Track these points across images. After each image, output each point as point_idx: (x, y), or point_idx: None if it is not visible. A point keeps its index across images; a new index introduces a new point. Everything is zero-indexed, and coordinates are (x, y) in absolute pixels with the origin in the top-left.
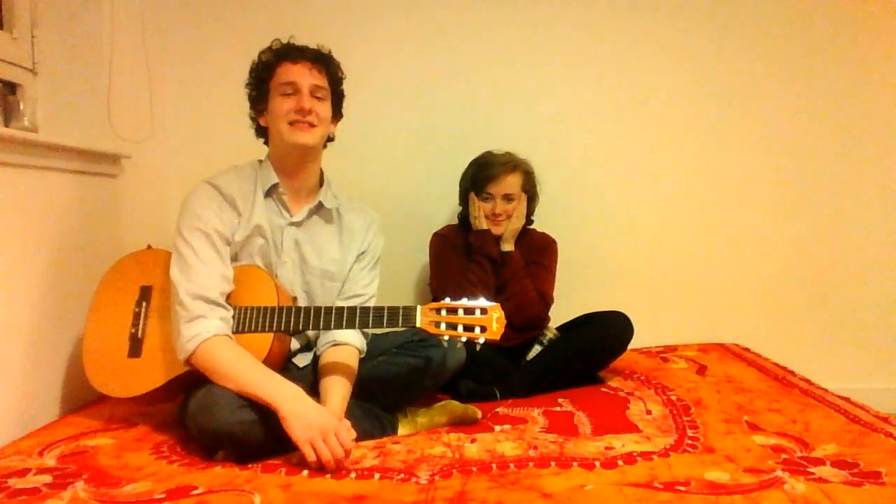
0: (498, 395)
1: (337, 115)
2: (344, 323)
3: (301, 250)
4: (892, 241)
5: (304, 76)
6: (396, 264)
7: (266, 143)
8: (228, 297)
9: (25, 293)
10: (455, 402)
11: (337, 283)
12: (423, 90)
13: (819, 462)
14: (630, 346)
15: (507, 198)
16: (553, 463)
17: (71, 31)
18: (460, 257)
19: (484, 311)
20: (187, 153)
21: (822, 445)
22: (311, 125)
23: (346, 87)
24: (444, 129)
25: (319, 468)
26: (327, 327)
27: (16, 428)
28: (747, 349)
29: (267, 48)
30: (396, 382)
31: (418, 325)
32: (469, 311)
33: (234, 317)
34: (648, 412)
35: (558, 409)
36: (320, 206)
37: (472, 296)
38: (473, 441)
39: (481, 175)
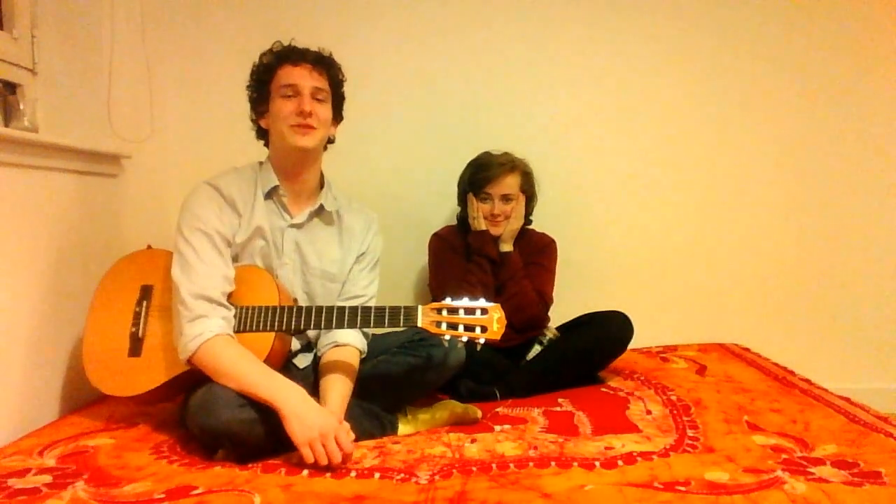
0: (498, 395)
1: (337, 117)
2: (346, 322)
3: (301, 252)
4: (893, 241)
5: (305, 78)
6: (396, 265)
7: (266, 144)
8: (230, 296)
9: (25, 293)
10: (455, 402)
11: (337, 285)
12: (422, 91)
13: (819, 462)
14: (630, 346)
15: (506, 198)
16: (553, 463)
17: (71, 31)
18: (459, 258)
19: (484, 311)
20: (187, 153)
21: (822, 445)
22: (312, 128)
23: (346, 87)
24: (443, 130)
25: (317, 469)
26: (328, 327)
27: (16, 428)
28: (747, 349)
29: (268, 50)
30: (397, 382)
31: (419, 324)
32: (470, 311)
33: (235, 316)
34: (648, 412)
35: (558, 409)
36: (321, 208)
37: (472, 297)
38: (473, 441)
39: (479, 176)
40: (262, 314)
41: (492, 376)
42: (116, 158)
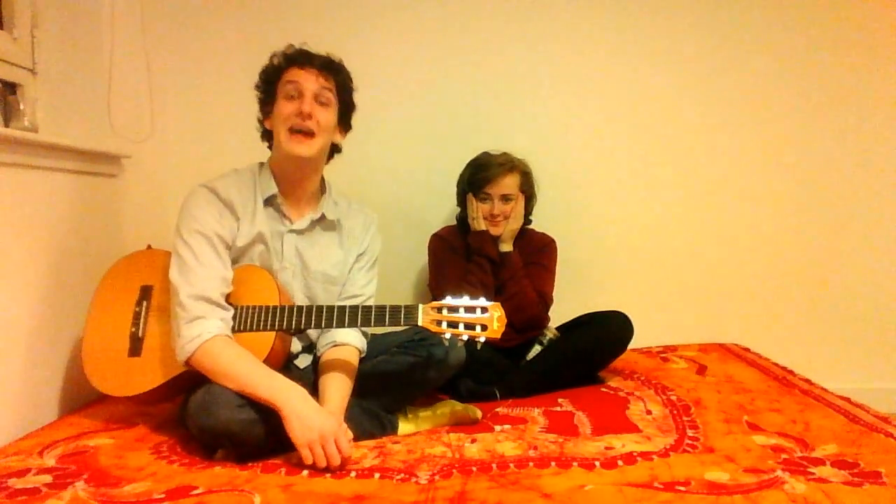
0: (498, 395)
1: (345, 125)
2: (346, 321)
3: (302, 256)
4: (893, 241)
5: (309, 80)
6: (396, 265)
7: (270, 147)
8: (230, 296)
9: (25, 293)
10: (456, 402)
11: (339, 287)
12: (421, 91)
13: (819, 462)
14: (630, 346)
15: (505, 198)
16: (553, 463)
17: (71, 31)
18: (459, 258)
19: (485, 309)
20: (187, 153)
21: (822, 445)
22: (310, 135)
23: None
24: (442, 130)
25: (316, 469)
26: (329, 326)
27: (16, 428)
28: (747, 349)
29: (279, 52)
30: (397, 381)
31: (420, 323)
32: (470, 309)
33: (235, 315)
34: (648, 412)
35: (558, 409)
36: (322, 217)
37: (472, 297)
38: (473, 441)
39: (479, 176)
40: (263, 314)
41: (492, 376)
42: (116, 158)
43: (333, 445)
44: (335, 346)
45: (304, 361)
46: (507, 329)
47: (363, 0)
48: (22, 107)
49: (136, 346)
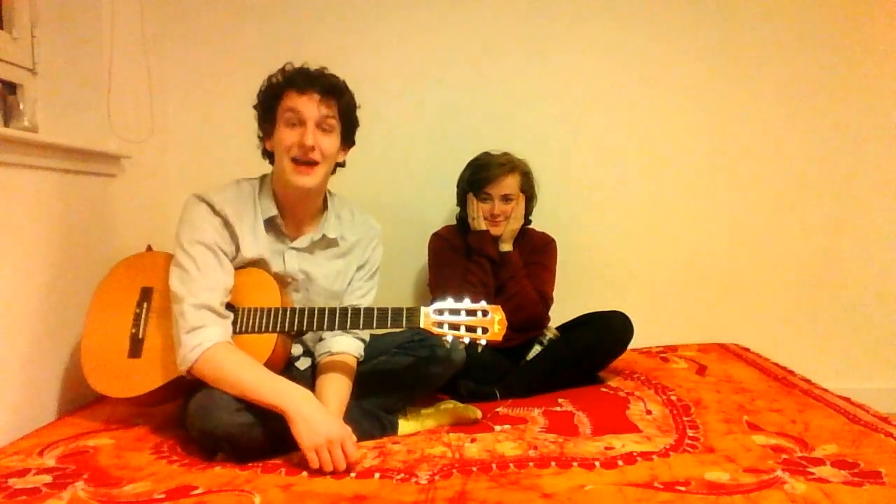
0: (498, 396)
1: (348, 143)
2: (348, 323)
3: (305, 272)
4: (893, 241)
5: (311, 109)
6: (396, 265)
7: (272, 163)
8: (232, 297)
9: (25, 293)
10: (456, 402)
11: (339, 300)
12: (421, 91)
13: (819, 462)
14: (630, 346)
15: (506, 198)
16: (553, 463)
17: (71, 31)
18: (459, 258)
19: (486, 312)
20: (187, 153)
21: (822, 445)
22: (313, 165)
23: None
24: (442, 130)
25: (319, 472)
26: (331, 328)
27: (16, 428)
28: (747, 349)
29: (278, 71)
30: (397, 381)
31: (421, 325)
32: (471, 312)
33: (238, 317)
34: (648, 412)
35: (558, 409)
36: (323, 237)
37: (472, 296)
38: (473, 441)
39: (479, 176)
40: (265, 315)
41: (492, 376)
42: (116, 158)
43: (340, 450)
44: (331, 355)
45: (304, 363)
46: (507, 329)
47: (364, 1)
48: (22, 107)
49: (136, 348)
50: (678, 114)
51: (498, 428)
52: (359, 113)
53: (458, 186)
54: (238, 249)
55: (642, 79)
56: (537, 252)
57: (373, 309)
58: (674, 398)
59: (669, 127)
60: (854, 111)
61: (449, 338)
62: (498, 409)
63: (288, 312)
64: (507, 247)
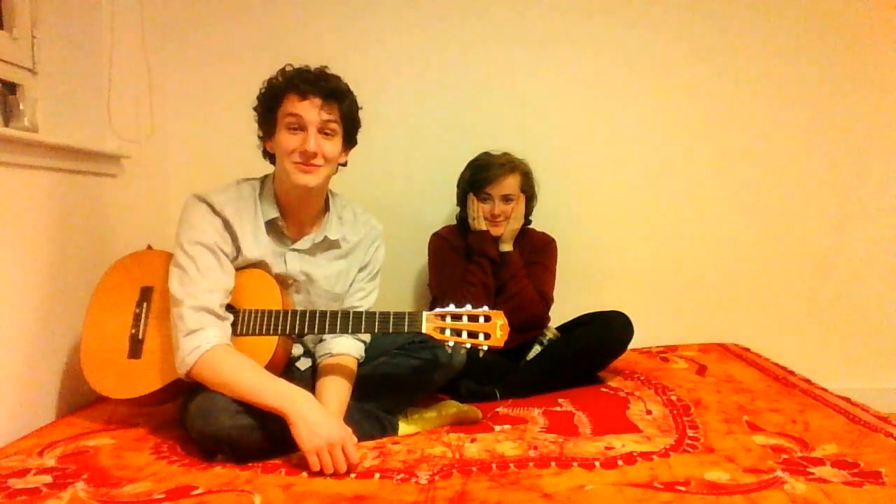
0: (498, 396)
1: (349, 144)
2: (350, 327)
3: (306, 274)
4: (893, 241)
5: (312, 114)
6: (396, 265)
7: (272, 163)
8: (233, 299)
9: (25, 293)
10: (456, 402)
11: (341, 302)
12: (421, 91)
13: (819, 462)
14: (630, 346)
15: (506, 198)
16: (553, 463)
17: (71, 31)
18: (460, 258)
19: (488, 318)
20: (187, 153)
21: (822, 445)
22: (316, 166)
23: None
24: (442, 130)
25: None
26: (332, 331)
27: (16, 428)
28: (747, 349)
29: (278, 73)
30: (398, 383)
31: (423, 330)
32: (473, 318)
33: (238, 319)
34: (648, 412)
35: (558, 409)
36: (324, 238)
37: (472, 296)
38: (473, 441)
39: (479, 176)
40: (266, 318)
41: (492, 376)
42: (116, 158)
43: (341, 452)
44: (331, 356)
45: (305, 364)
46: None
47: (364, 2)
48: (22, 107)
49: (136, 348)
50: (679, 114)
51: (498, 428)
52: (360, 113)
53: (458, 186)
54: (239, 251)
55: (643, 79)
56: (537, 252)
57: (374, 313)
58: (674, 398)
59: (670, 127)
60: (854, 111)
61: (451, 343)
62: (498, 409)
63: (289, 315)
64: (507, 247)
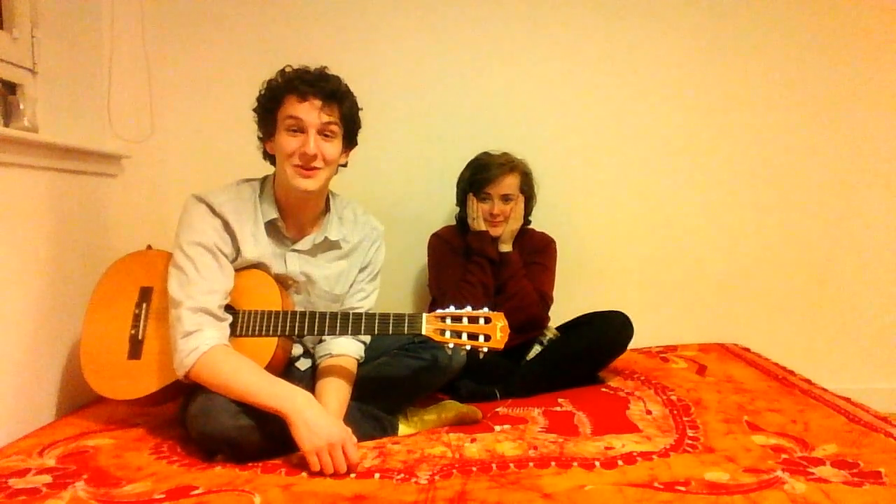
0: (498, 396)
1: (350, 145)
2: (350, 329)
3: (307, 274)
4: (893, 241)
5: (312, 116)
6: (395, 266)
7: (272, 164)
8: (232, 300)
9: (25, 293)
10: (456, 402)
11: (340, 302)
12: (421, 91)
13: (819, 462)
14: (630, 346)
15: (505, 198)
16: (553, 463)
17: (71, 31)
18: (459, 258)
19: (488, 319)
20: (187, 153)
21: (822, 445)
22: (316, 169)
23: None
24: (441, 131)
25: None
26: (332, 332)
27: (16, 428)
28: (747, 349)
29: (277, 74)
30: (398, 384)
31: (423, 332)
32: (473, 319)
33: (238, 320)
34: (648, 412)
35: (558, 409)
36: (325, 239)
37: (472, 297)
38: (473, 441)
39: (479, 176)
40: (265, 319)
41: (492, 376)
42: (116, 158)
43: (341, 452)
44: (331, 356)
45: (304, 364)
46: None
47: (363, 1)
48: (22, 107)
49: (135, 349)
50: (678, 114)
51: (498, 428)
52: (360, 114)
53: (457, 187)
54: (238, 251)
55: (644, 79)
56: (537, 252)
57: (374, 315)
58: (674, 398)
59: (669, 128)
60: (854, 110)
61: (451, 344)
62: (498, 409)
63: (289, 316)
64: (506, 247)
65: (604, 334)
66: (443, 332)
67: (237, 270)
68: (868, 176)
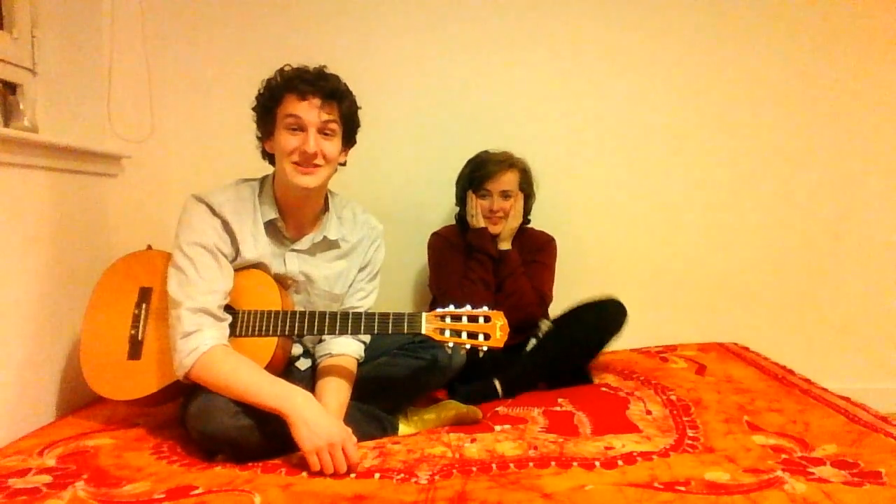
0: (499, 390)
1: (349, 144)
2: (349, 328)
3: (306, 274)
4: (893, 241)
5: (312, 114)
6: (395, 265)
7: (272, 163)
8: (232, 300)
9: (25, 293)
10: (456, 402)
11: (340, 302)
12: (420, 91)
13: (819, 462)
14: (630, 347)
15: (505, 194)
16: (553, 463)
17: (71, 31)
18: (460, 256)
19: (487, 318)
20: (187, 153)
21: (822, 445)
22: (316, 166)
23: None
24: (441, 130)
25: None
26: (332, 332)
27: (16, 428)
28: (746, 348)
29: (276, 73)
30: (398, 383)
31: (423, 331)
32: (473, 318)
33: (238, 320)
34: (648, 412)
35: (558, 409)
36: (324, 238)
37: (473, 294)
38: (473, 441)
39: (478, 172)
40: (265, 319)
41: (491, 371)
42: (116, 158)
43: (341, 452)
44: (331, 356)
45: (304, 364)
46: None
47: (364, 2)
48: (22, 107)
49: (135, 350)
50: (678, 114)
51: (498, 428)
52: (359, 113)
53: (457, 185)
54: (238, 251)
55: (643, 77)
56: (536, 251)
57: (374, 314)
58: (673, 398)
59: (669, 127)
60: (854, 110)
61: (451, 343)
62: (498, 409)
63: (288, 316)
64: (505, 245)
65: (600, 320)
66: (442, 331)
67: (237, 270)
68: (868, 176)
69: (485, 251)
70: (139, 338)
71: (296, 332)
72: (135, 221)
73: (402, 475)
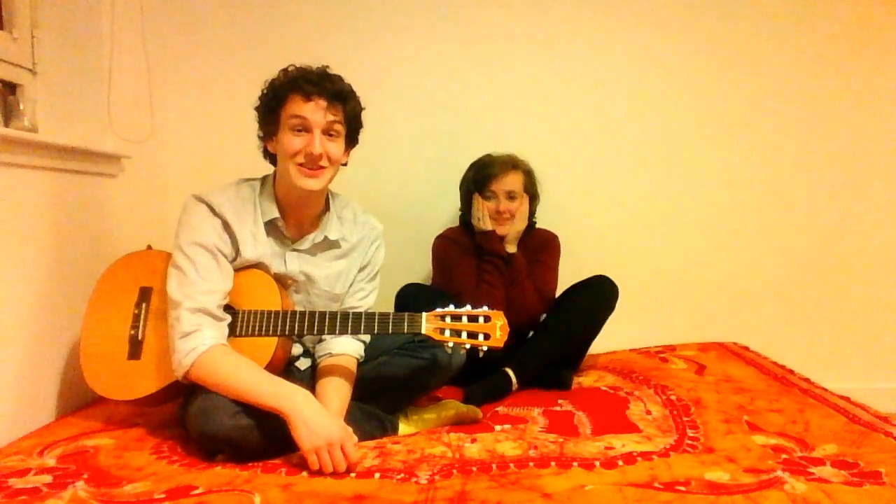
0: (513, 379)
1: (352, 144)
2: (349, 328)
3: (306, 274)
4: (893, 241)
5: (318, 116)
6: (396, 267)
7: (273, 163)
8: (232, 300)
9: (25, 293)
10: (456, 402)
11: (340, 302)
12: (423, 93)
13: (819, 462)
14: (630, 347)
15: (510, 195)
16: (553, 463)
17: (71, 31)
18: (470, 258)
19: (487, 318)
20: (187, 153)
21: (822, 445)
22: (321, 169)
23: None
24: (443, 131)
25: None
26: (332, 332)
27: (16, 428)
28: (746, 348)
29: (280, 73)
30: (398, 383)
31: (423, 331)
32: (473, 318)
33: (238, 320)
34: (648, 412)
35: (558, 408)
36: (324, 238)
37: (491, 297)
38: (473, 441)
39: (483, 174)
40: (265, 319)
41: (499, 361)
42: (116, 158)
43: (340, 451)
44: (331, 356)
45: (304, 364)
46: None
47: (364, 2)
48: (22, 107)
49: (135, 349)
50: (678, 113)
51: (498, 428)
52: (362, 114)
53: (461, 187)
54: (238, 251)
55: (643, 77)
56: (539, 249)
57: (374, 314)
58: (673, 398)
59: (670, 126)
60: (854, 111)
61: (451, 343)
62: (498, 409)
63: (288, 316)
64: (511, 248)
65: (592, 297)
66: (442, 330)
67: (237, 270)
68: (868, 176)
69: (497, 254)
70: (139, 338)
71: (296, 331)
72: (135, 221)
73: (403, 475)
